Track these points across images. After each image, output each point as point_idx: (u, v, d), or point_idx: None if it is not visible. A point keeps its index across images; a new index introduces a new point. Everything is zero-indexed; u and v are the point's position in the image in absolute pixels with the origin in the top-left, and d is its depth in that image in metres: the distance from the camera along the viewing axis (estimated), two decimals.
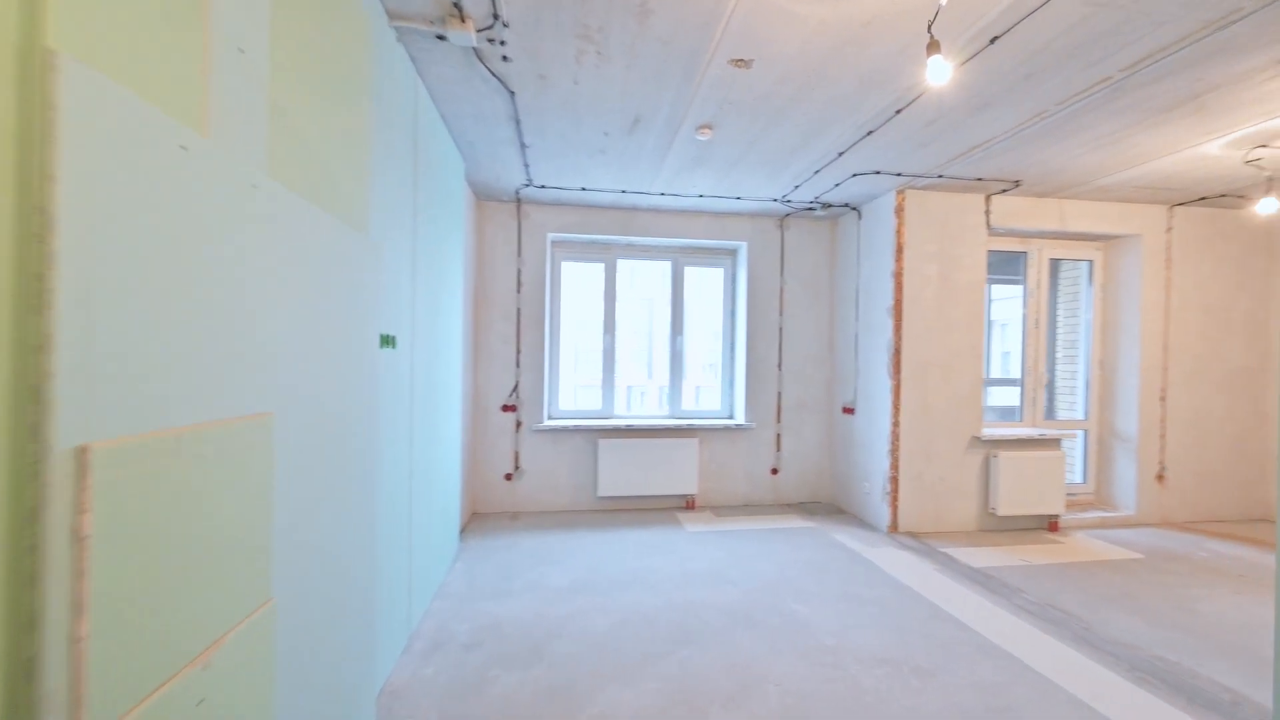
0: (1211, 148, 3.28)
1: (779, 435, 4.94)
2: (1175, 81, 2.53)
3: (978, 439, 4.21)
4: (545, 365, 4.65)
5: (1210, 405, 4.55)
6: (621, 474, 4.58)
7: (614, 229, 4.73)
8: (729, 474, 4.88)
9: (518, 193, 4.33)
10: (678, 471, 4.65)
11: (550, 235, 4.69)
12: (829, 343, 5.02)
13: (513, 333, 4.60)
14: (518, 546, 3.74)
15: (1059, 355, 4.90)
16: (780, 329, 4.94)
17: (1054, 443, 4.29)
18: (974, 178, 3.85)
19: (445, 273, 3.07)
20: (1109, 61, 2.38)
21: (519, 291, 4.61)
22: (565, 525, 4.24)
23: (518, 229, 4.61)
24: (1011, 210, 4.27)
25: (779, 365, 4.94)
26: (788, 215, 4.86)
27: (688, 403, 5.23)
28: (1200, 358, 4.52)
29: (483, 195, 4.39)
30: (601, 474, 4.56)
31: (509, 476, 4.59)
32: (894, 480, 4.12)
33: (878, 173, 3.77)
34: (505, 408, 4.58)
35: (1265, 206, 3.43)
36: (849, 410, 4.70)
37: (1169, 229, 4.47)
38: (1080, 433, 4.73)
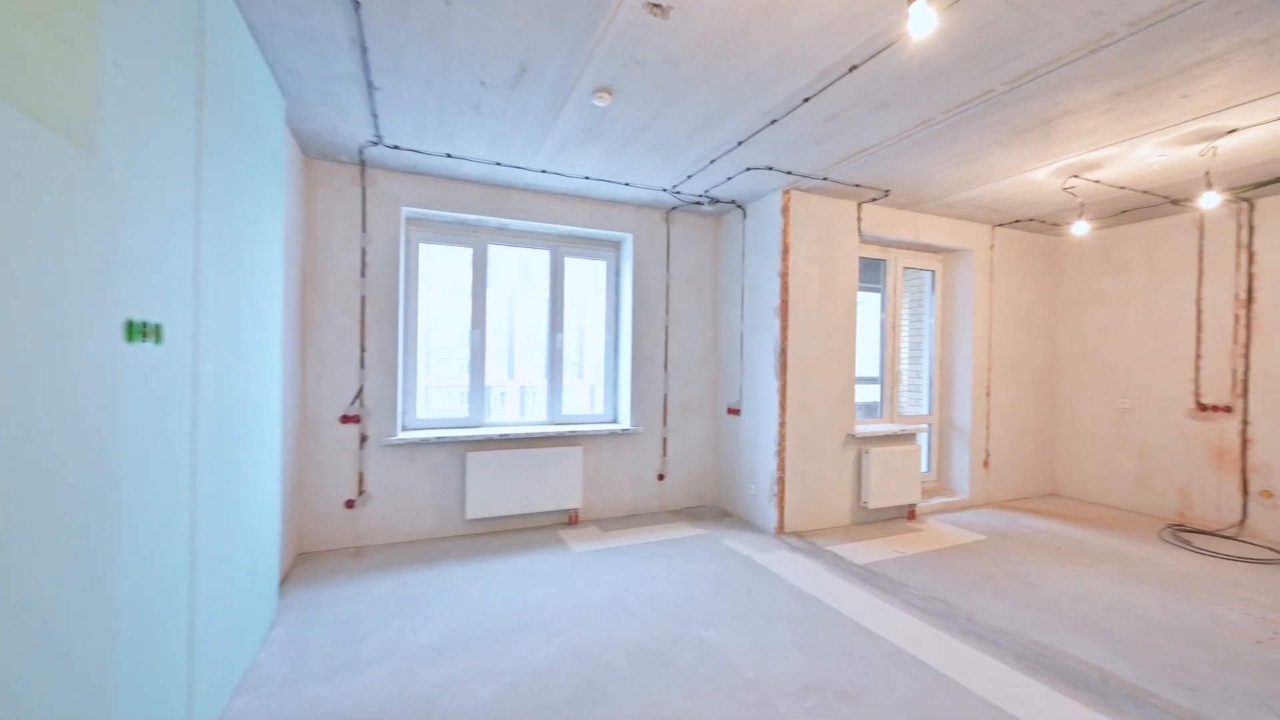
0: (1040, 174, 3.72)
1: (665, 439, 4.71)
2: (1039, 103, 2.73)
3: (852, 436, 4.38)
4: (399, 367, 3.86)
5: (1019, 399, 5.30)
6: (495, 491, 3.97)
7: (484, 208, 4.09)
8: (615, 483, 4.53)
9: (362, 152, 3.50)
10: (560, 484, 4.18)
11: (405, 210, 3.91)
12: (713, 342, 4.92)
13: (355, 327, 3.74)
14: (365, 593, 2.97)
15: (906, 356, 5.37)
16: (666, 328, 4.72)
17: (910, 437, 4.64)
18: (853, 183, 3.96)
19: (254, 244, 2.25)
20: (999, 72, 2.46)
21: (364, 276, 3.76)
22: (428, 559, 3.53)
23: (362, 198, 3.75)
24: (878, 219, 4.52)
25: (665, 366, 4.71)
26: (674, 209, 4.65)
27: (570, 407, 4.77)
28: (1013, 359, 5.25)
29: (313, 151, 3.47)
30: (471, 493, 3.91)
31: (351, 503, 3.72)
32: (781, 481, 4.11)
33: (770, 168, 3.69)
34: (345, 419, 3.70)
35: (1079, 229, 4.01)
36: (734, 411, 4.63)
37: (992, 246, 5.11)
38: (926, 426, 5.21)
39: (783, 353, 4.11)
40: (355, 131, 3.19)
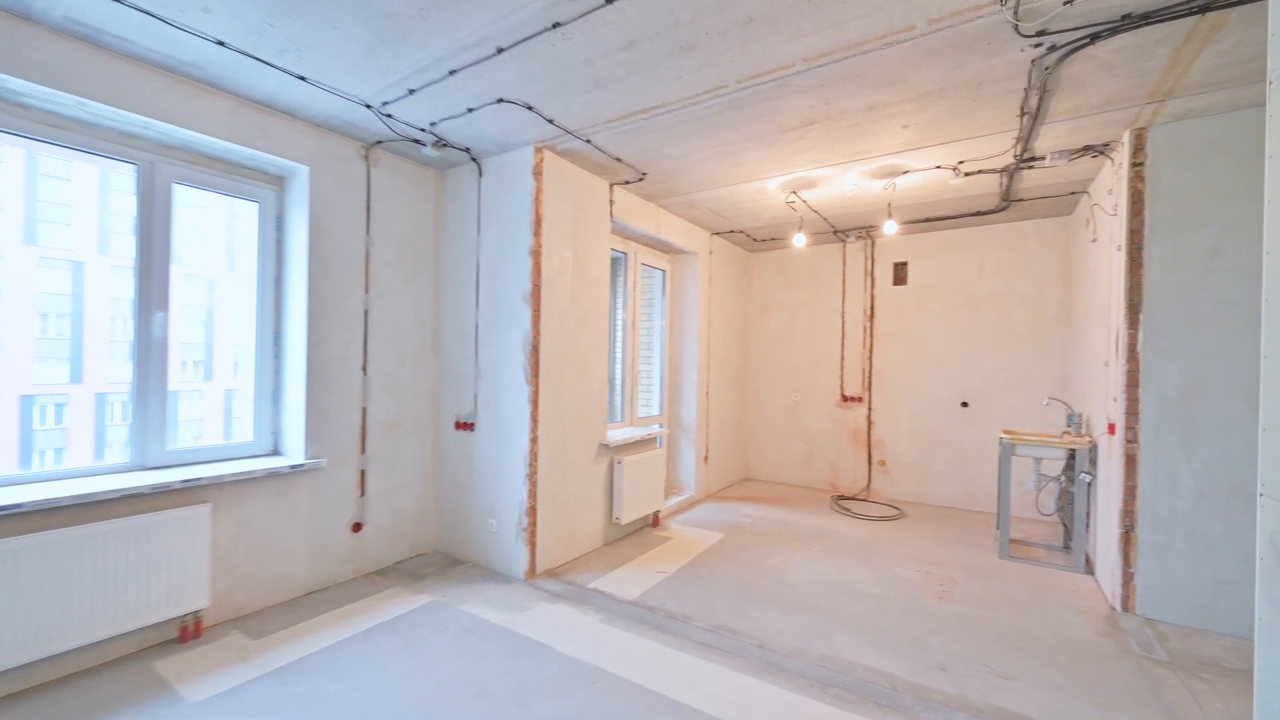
0: (773, 183, 3.92)
1: (364, 473, 3.29)
2: (816, 96, 2.66)
3: (605, 446, 3.88)
4: None
5: (726, 396, 5.80)
6: (10, 618, 1.95)
7: None
8: (276, 552, 2.89)
9: None
10: (159, 578, 2.37)
11: None
12: (435, 337, 3.72)
13: None
14: None
15: (640, 356, 5.24)
16: (366, 314, 3.31)
17: (653, 441, 4.45)
18: (614, 156, 3.43)
19: None
20: (804, 42, 2.22)
21: None
22: None
23: None
24: (628, 206, 4.15)
25: (364, 368, 3.29)
26: (380, 143, 3.28)
27: (190, 433, 2.84)
28: (722, 359, 5.69)
29: None
30: None
31: None
32: (532, 511, 3.28)
33: (530, 108, 2.82)
34: None
35: (798, 240, 4.45)
36: (465, 426, 3.56)
37: (710, 252, 5.41)
38: (657, 426, 5.17)
39: (535, 350, 3.28)
40: None
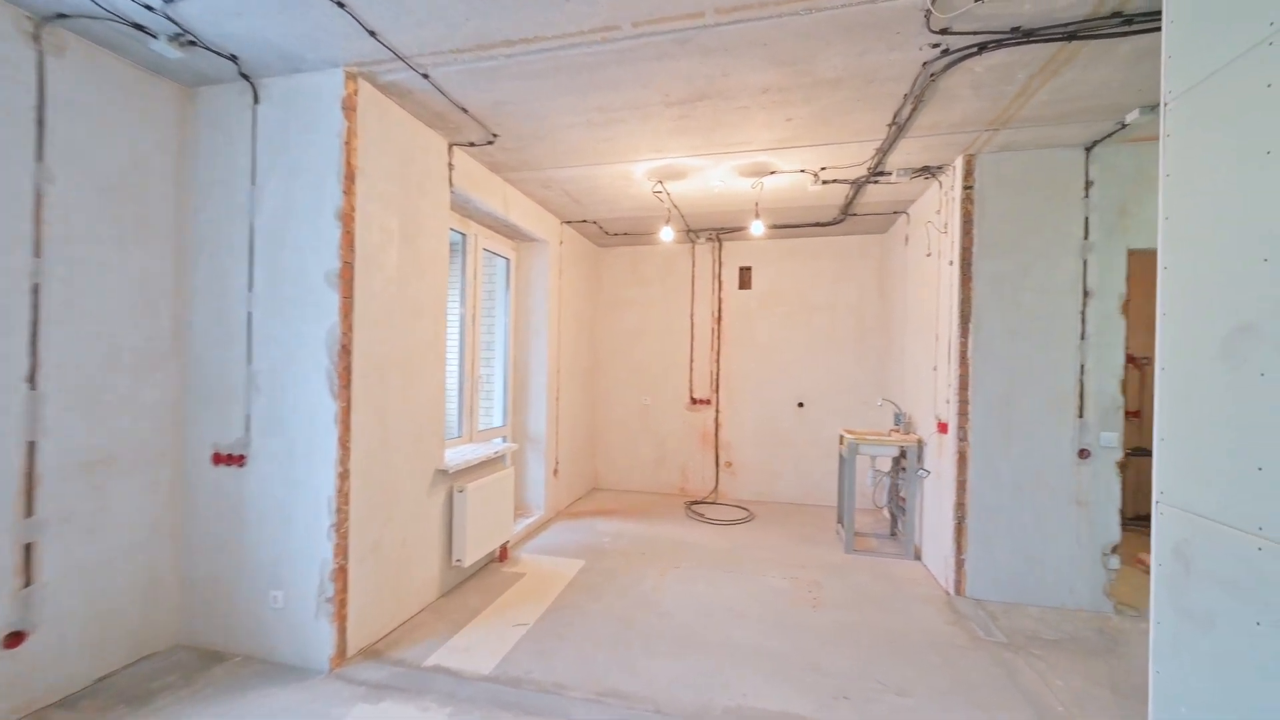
0: (641, 168, 3.55)
1: (30, 547, 2.03)
2: (716, 65, 2.33)
3: (442, 472, 3.09)
4: None
5: (576, 399, 5.31)
6: None
7: None
8: None
9: None
10: None
11: None
12: (175, 328, 2.54)
13: None
14: None
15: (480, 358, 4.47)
16: (37, 289, 2.05)
17: (501, 460, 3.75)
18: (459, 104, 2.70)
19: None
20: None
21: None
22: None
23: None
24: (471, 175, 3.40)
25: (32, 376, 2.04)
26: (63, 17, 2.06)
27: None
28: (573, 359, 5.19)
29: None
30: None
31: None
32: (342, 572, 2.38)
33: (341, 4, 1.98)
34: None
35: (665, 235, 4.12)
36: (232, 459, 2.48)
37: (561, 241, 4.86)
38: (501, 440, 4.45)
39: (346, 350, 2.39)
40: None
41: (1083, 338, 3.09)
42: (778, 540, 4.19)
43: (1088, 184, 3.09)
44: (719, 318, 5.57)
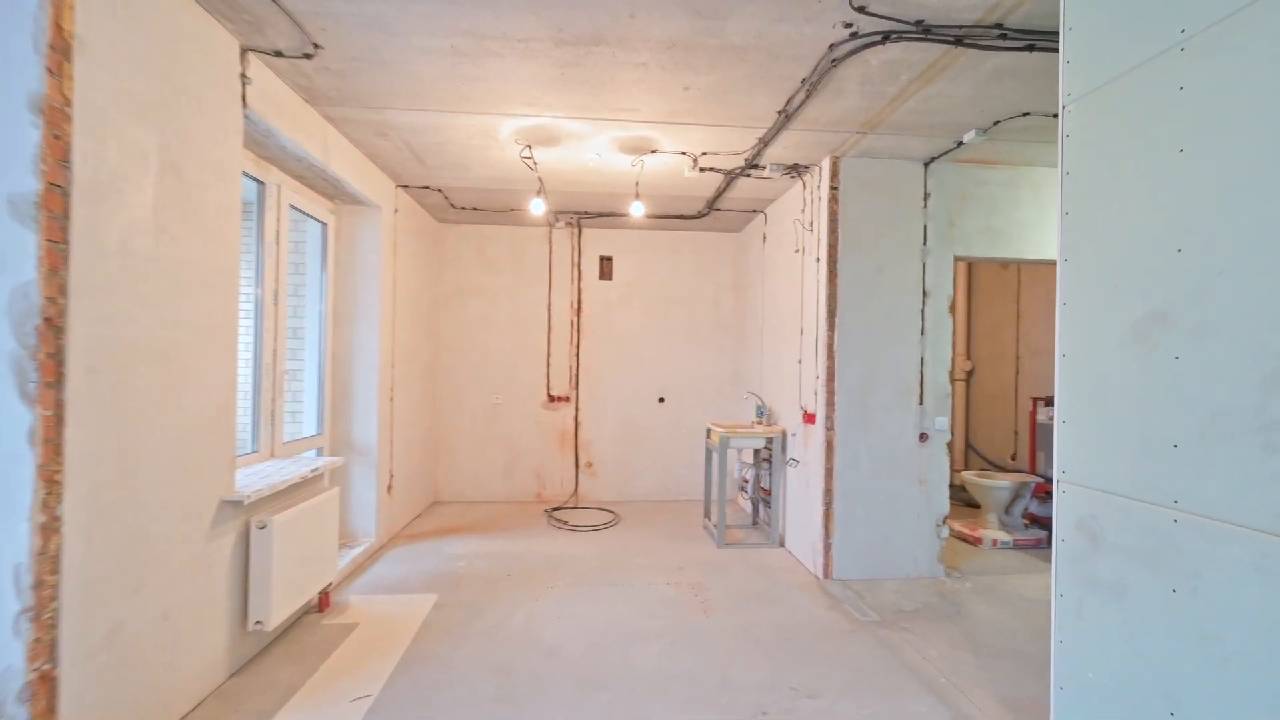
0: (509, 126, 3.03)
1: None
2: (615, 5, 1.98)
3: (233, 503, 2.21)
4: None
5: (414, 400, 4.48)
6: None
7: None
8: None
9: None
10: None
11: None
12: None
13: None
14: None
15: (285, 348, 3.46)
16: None
17: (321, 479, 2.90)
18: None
19: None
20: None
21: None
22: None
23: None
24: (277, 100, 2.52)
25: None
26: None
27: None
28: (410, 352, 4.36)
29: None
30: None
31: None
32: (46, 681, 1.48)
33: None
34: None
35: (535, 207, 3.56)
36: None
37: (396, 210, 4.03)
38: (314, 453, 3.50)
39: (53, 329, 1.49)
40: None
41: (922, 333, 3.43)
42: (649, 541, 3.99)
43: (926, 195, 3.45)
44: (578, 309, 5.21)
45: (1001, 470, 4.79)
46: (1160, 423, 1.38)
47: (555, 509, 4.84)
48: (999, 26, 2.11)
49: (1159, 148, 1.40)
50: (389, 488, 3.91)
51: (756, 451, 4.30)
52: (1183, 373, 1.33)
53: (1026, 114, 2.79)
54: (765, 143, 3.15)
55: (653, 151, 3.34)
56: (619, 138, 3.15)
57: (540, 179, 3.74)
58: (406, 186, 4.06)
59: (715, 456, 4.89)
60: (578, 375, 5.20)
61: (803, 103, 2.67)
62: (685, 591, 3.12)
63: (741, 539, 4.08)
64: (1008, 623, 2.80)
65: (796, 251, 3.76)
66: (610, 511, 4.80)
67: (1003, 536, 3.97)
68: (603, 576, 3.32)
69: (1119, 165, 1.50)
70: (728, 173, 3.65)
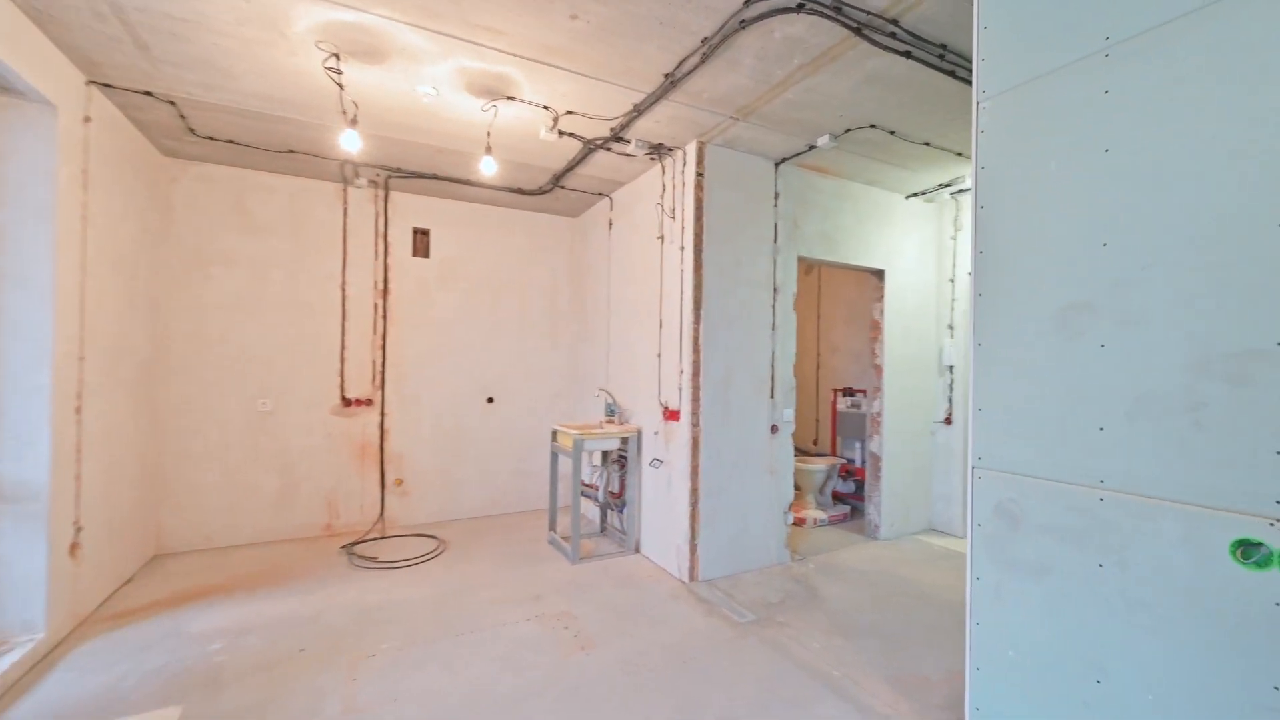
0: (310, 18, 2.14)
1: None
2: None
3: None
4: None
5: (125, 414, 3.03)
6: None
7: None
8: None
9: None
10: None
11: None
12: None
13: None
14: None
15: None
16: None
17: None
18: None
19: None
20: None
21: None
22: None
23: None
24: None
25: None
26: None
27: None
28: (113, 345, 2.93)
29: None
30: None
31: None
32: None
33: None
34: None
35: (348, 141, 2.54)
36: None
37: (87, 118, 2.63)
38: None
39: None
40: None
41: (773, 328, 3.53)
42: (491, 568, 3.36)
43: (776, 195, 3.55)
44: (385, 290, 4.21)
45: (808, 455, 5.34)
46: (1085, 407, 1.47)
47: (356, 542, 3.80)
48: (895, 23, 2.15)
49: (1083, 147, 1.49)
50: (72, 546, 2.52)
51: (606, 453, 3.98)
52: (1109, 359, 1.42)
53: (872, 126, 3.01)
54: (640, 111, 2.84)
55: (509, 98, 2.75)
56: (469, 69, 2.49)
57: (355, 104, 2.78)
58: (110, 86, 2.68)
59: (562, 461, 4.47)
60: (384, 373, 4.20)
61: (694, 68, 2.43)
62: (552, 626, 2.63)
63: (595, 550, 3.72)
64: (855, 598, 3.00)
65: (659, 238, 3.55)
66: (432, 537, 3.96)
67: (820, 515, 4.38)
68: (442, 626, 2.62)
69: (1040, 162, 1.58)
70: (588, 142, 3.25)
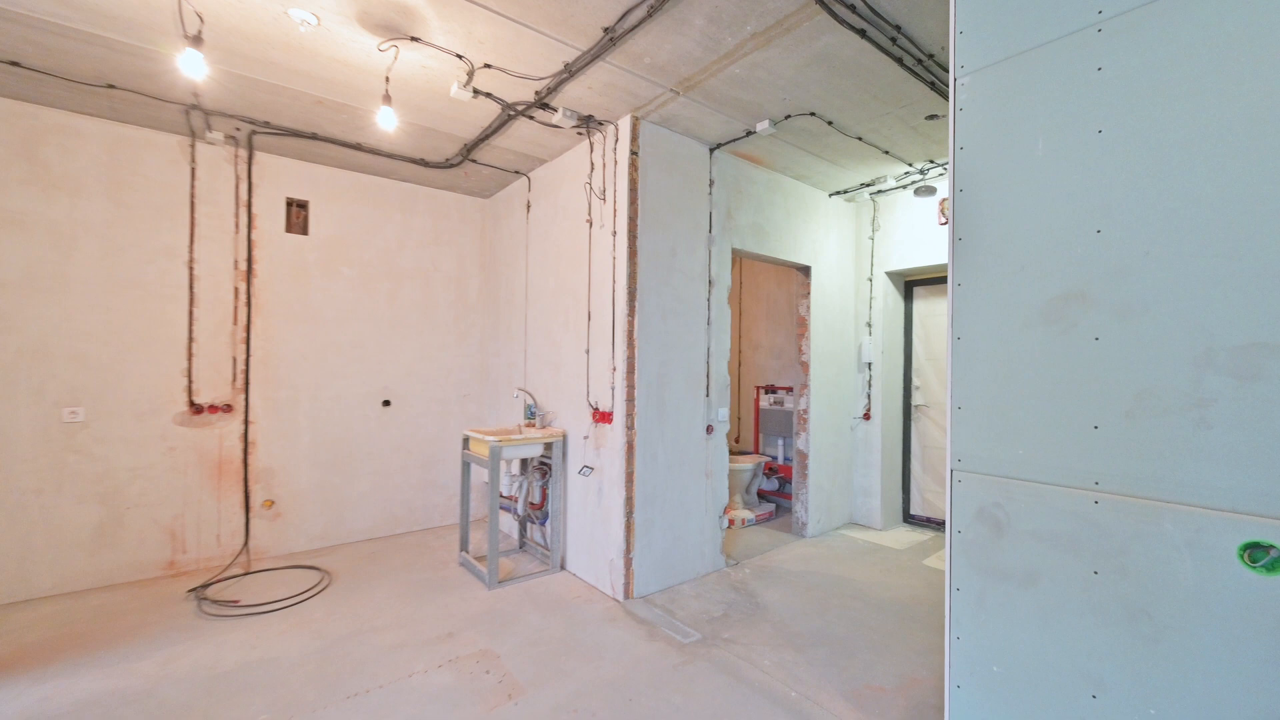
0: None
1: None
2: None
3: None
4: None
5: None
6: None
7: None
8: None
9: None
10: None
11: None
12: None
13: None
14: None
15: None
16: None
17: None
18: None
19: None
20: None
21: None
22: None
23: None
24: None
25: None
26: None
27: None
28: None
29: None
30: None
31: None
32: None
33: None
34: None
35: (189, 65, 1.88)
36: None
37: None
38: None
39: None
40: None
41: (709, 322, 3.34)
42: (390, 602, 2.84)
43: (711, 182, 3.36)
44: (250, 271, 3.47)
45: (733, 454, 5.27)
46: (1078, 404, 1.38)
47: (210, 582, 3.06)
48: None
49: (1075, 128, 1.40)
50: None
51: (526, 461, 3.58)
52: (1105, 353, 1.34)
53: (813, 114, 2.91)
54: (571, 73, 2.49)
55: (414, 39, 2.27)
56: None
57: (199, 16, 2.12)
58: None
59: (476, 471, 4.00)
60: (248, 372, 3.45)
61: (640, 22, 2.13)
62: (471, 672, 2.21)
63: (515, 570, 3.31)
64: (796, 603, 2.89)
65: (587, 221, 3.21)
66: (313, 568, 3.31)
67: (749, 515, 4.30)
68: (326, 687, 2.10)
69: (1027, 143, 1.48)
70: (509, 106, 2.84)
